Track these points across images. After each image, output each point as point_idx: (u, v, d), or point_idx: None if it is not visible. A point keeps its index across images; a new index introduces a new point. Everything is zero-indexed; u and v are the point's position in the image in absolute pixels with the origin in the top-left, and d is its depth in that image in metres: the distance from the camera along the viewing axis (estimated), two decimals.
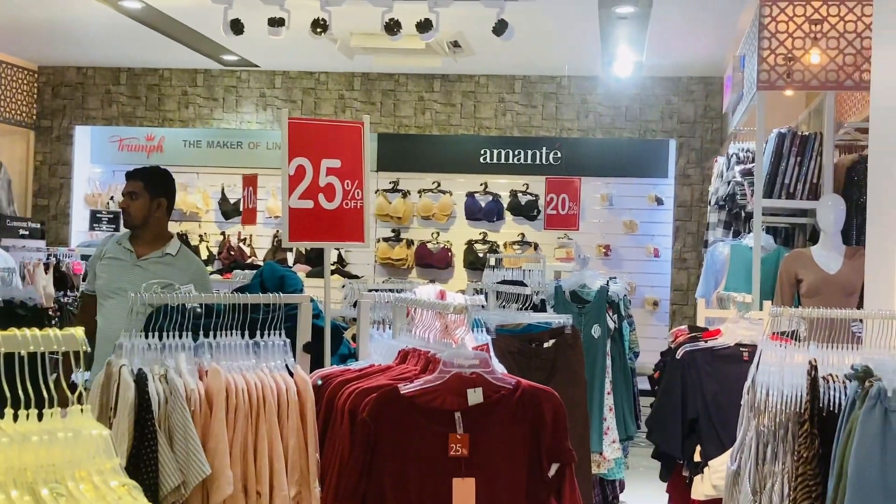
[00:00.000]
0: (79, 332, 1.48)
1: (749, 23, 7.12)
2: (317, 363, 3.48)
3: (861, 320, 4.06)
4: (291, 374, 2.91)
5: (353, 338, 4.13)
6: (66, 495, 1.35)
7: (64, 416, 1.47)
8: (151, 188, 5.03)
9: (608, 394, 6.65)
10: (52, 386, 1.49)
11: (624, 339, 6.94)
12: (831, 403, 2.94)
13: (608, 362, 6.64)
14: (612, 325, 6.73)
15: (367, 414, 2.74)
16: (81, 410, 1.49)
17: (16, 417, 1.43)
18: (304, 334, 3.30)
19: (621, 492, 7.52)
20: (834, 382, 2.99)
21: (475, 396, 2.81)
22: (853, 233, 6.53)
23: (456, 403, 2.80)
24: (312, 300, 3.45)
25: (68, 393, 1.50)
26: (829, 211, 6.39)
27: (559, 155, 11.05)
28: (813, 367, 2.98)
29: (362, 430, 2.74)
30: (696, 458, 4.44)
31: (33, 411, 1.44)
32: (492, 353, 3.31)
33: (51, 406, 1.48)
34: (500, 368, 3.17)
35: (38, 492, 1.34)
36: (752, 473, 3.14)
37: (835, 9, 6.54)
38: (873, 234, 4.63)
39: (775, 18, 6.65)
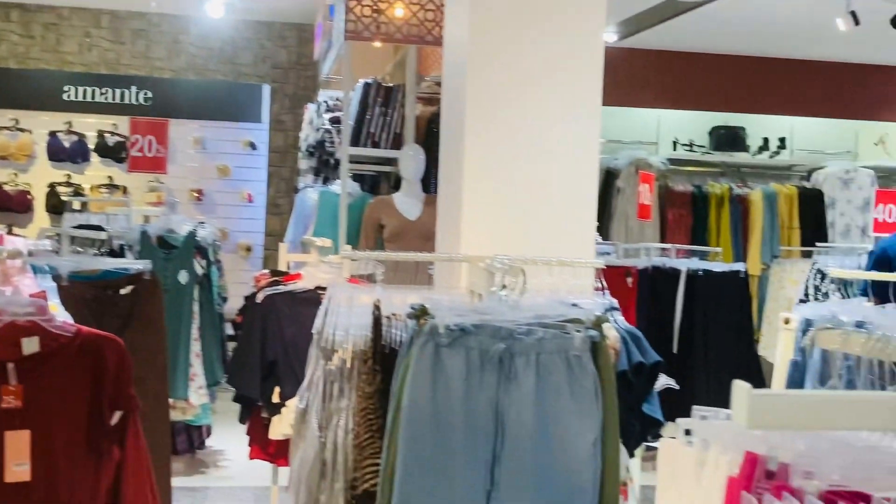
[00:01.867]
0: None
1: None
2: None
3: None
4: None
5: None
6: None
7: None
8: None
9: (195, 340, 6.62)
10: None
11: (212, 285, 6.91)
12: (394, 341, 3.10)
13: (196, 308, 6.60)
14: (200, 270, 6.68)
15: None
16: None
17: None
18: None
19: (208, 437, 7.53)
20: (397, 321, 3.15)
21: (30, 345, 2.68)
22: (433, 181, 6.87)
23: (9, 353, 2.66)
24: None
25: None
26: (410, 160, 6.70)
27: (150, 95, 10.70)
28: (377, 307, 3.12)
29: None
30: (276, 398, 4.53)
31: None
32: (56, 301, 3.18)
33: None
34: (64, 316, 3.05)
35: None
36: (319, 411, 3.25)
37: None
38: (444, 182, 4.89)
39: None
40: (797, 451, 1.18)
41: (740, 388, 0.75)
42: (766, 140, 10.90)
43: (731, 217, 10.09)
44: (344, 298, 3.27)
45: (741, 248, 10.06)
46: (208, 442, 7.59)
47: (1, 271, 3.14)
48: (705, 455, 1.35)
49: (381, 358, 3.03)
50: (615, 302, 3.66)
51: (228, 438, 7.46)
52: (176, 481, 6.85)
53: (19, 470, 2.61)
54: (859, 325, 3.38)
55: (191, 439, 7.36)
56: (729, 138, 10.80)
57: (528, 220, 4.40)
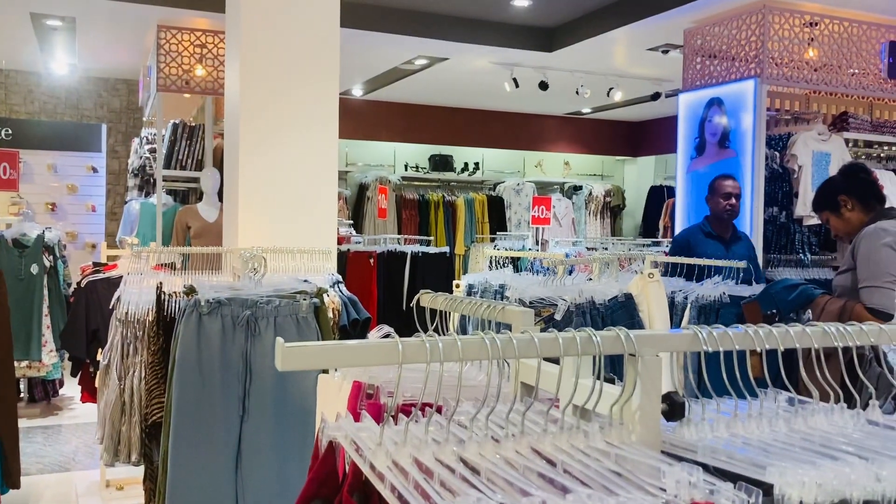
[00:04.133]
0: None
1: (153, 42, 6.86)
2: None
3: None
4: None
5: None
6: None
7: None
8: None
9: (46, 315, 6.20)
10: None
11: (59, 274, 6.43)
12: (173, 311, 2.98)
13: (45, 292, 6.20)
14: (47, 263, 6.27)
15: None
16: None
17: None
18: None
19: (61, 387, 7.01)
20: (176, 297, 3.01)
21: None
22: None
23: None
24: None
25: None
26: (209, 179, 6.47)
27: (10, 131, 9.76)
28: (159, 287, 2.98)
29: None
30: (99, 357, 4.26)
31: None
32: None
33: None
34: None
35: None
36: (119, 365, 3.08)
37: (213, 36, 6.56)
38: (227, 194, 4.75)
39: (169, 41, 6.49)
40: (385, 379, 1.20)
41: (279, 343, 0.75)
42: (466, 164, 11.23)
43: (444, 215, 10.34)
44: (135, 281, 3.11)
45: (452, 237, 10.32)
46: (61, 391, 7.05)
47: None
48: (341, 382, 1.36)
49: (163, 324, 2.89)
50: (339, 277, 3.65)
51: (72, 388, 6.98)
52: (34, 422, 6.36)
53: None
54: (502, 286, 3.53)
55: (46, 390, 6.82)
56: (442, 162, 11.05)
57: (286, 221, 4.34)
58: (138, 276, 3.10)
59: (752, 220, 5.41)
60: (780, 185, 5.52)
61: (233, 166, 4.59)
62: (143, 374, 2.94)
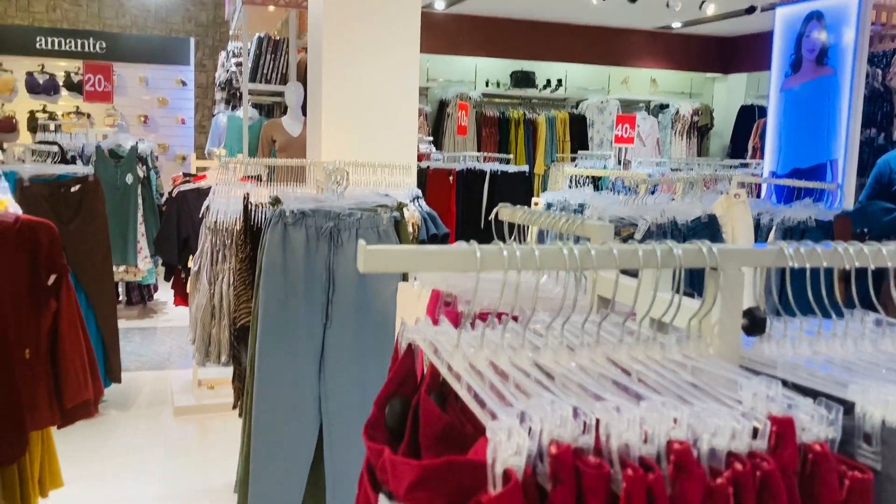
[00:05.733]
0: None
1: None
2: None
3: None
4: None
5: None
6: None
7: None
8: None
9: (141, 223, 6.44)
10: None
11: (152, 184, 6.66)
12: (259, 221, 3.06)
13: (140, 202, 6.42)
14: (141, 174, 6.46)
15: None
16: None
17: None
18: None
19: (155, 292, 7.35)
20: (262, 208, 3.09)
21: None
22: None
23: None
24: None
25: None
26: (293, 93, 6.52)
27: (104, 45, 10.02)
28: (246, 198, 3.06)
29: None
30: (190, 264, 4.43)
31: None
32: (8, 197, 3.00)
33: None
34: (14, 208, 2.88)
35: None
36: (209, 270, 3.20)
37: None
38: (310, 108, 4.78)
39: None
40: (463, 288, 1.21)
41: (361, 245, 0.76)
42: (548, 80, 10.97)
43: (524, 133, 10.19)
44: (223, 191, 3.20)
45: (532, 156, 10.20)
46: (156, 296, 7.41)
47: None
48: (420, 291, 1.38)
49: (250, 233, 2.98)
50: (419, 192, 3.66)
51: (166, 294, 7.32)
52: (132, 324, 6.72)
53: None
54: (581, 206, 3.49)
55: (142, 294, 7.17)
56: (524, 78, 10.83)
57: (368, 136, 4.36)
58: (227, 187, 3.18)
59: (847, 142, 5.15)
60: (879, 106, 5.22)
61: (316, 81, 4.61)
62: (231, 280, 3.05)
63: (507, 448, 0.67)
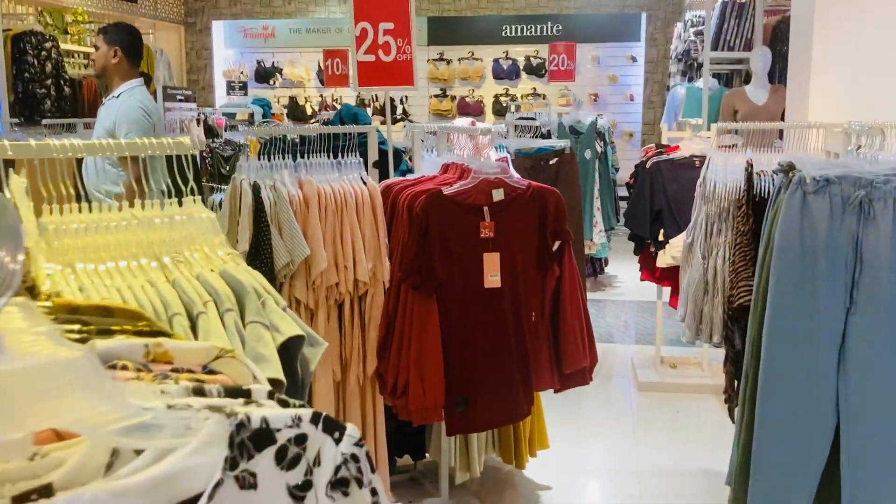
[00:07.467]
0: (186, 140, 1.34)
1: None
2: (384, 176, 3.35)
3: (780, 138, 3.83)
4: (365, 183, 2.78)
5: (411, 158, 3.97)
6: (184, 261, 1.24)
7: (181, 205, 1.34)
8: (108, 40, 4.02)
9: (596, 198, 6.53)
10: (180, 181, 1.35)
11: (608, 160, 6.74)
12: (762, 192, 2.77)
13: (596, 176, 6.50)
14: (599, 149, 6.55)
15: (419, 209, 2.61)
16: (194, 201, 1.35)
17: (143, 205, 1.31)
18: (373, 155, 3.14)
19: (606, 266, 7.46)
20: (764, 177, 2.80)
21: (498, 195, 2.66)
22: (776, 74, 6.20)
23: (484, 200, 2.66)
24: (378, 130, 3.28)
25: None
26: (759, 59, 6.02)
27: (560, 27, 10.47)
28: (749, 165, 2.79)
29: (417, 221, 2.62)
30: (661, 238, 4.30)
31: (157, 201, 1.31)
32: (510, 165, 3.14)
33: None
34: (516, 176, 3.01)
35: (162, 259, 1.23)
36: (703, 244, 3.00)
37: None
38: (794, 73, 4.30)
39: None
40: None
41: None
42: None
43: None
44: (720, 159, 2.96)
45: None
46: (606, 269, 7.53)
47: (476, 145, 3.14)
48: None
49: (753, 204, 2.71)
50: None
51: (619, 268, 7.37)
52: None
53: (494, 279, 2.63)
54: None
55: (594, 267, 7.33)
56: None
57: (869, 96, 3.76)
58: (724, 155, 2.95)
59: None
60: None
61: (803, 38, 4.12)
62: (727, 255, 2.82)
63: None
